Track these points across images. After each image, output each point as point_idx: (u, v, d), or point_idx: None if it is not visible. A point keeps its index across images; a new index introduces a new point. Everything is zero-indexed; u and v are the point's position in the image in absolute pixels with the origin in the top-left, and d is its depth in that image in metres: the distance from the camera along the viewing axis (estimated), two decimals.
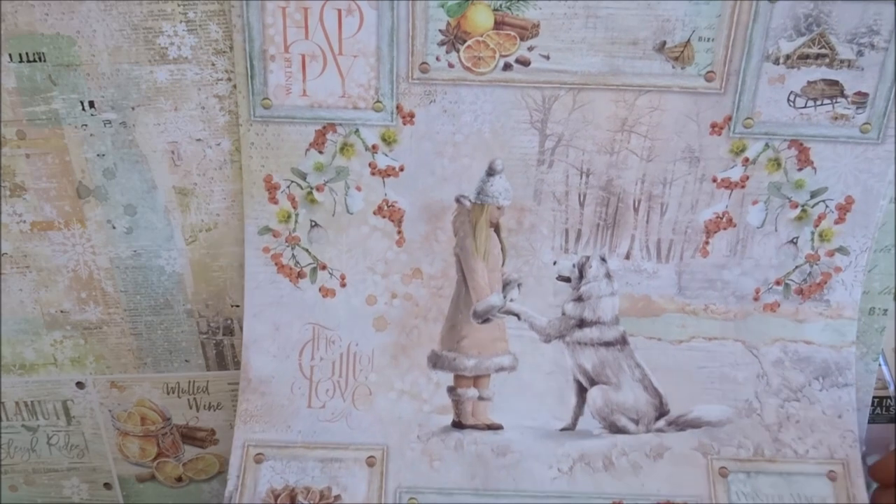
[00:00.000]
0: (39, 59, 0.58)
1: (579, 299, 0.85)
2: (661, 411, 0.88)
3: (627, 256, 0.87)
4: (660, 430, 0.87)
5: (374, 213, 0.85)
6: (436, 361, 0.90)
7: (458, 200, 0.84)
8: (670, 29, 0.66)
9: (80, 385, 0.75)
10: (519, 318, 0.87)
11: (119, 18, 0.61)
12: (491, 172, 0.85)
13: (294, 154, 0.84)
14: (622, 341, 0.87)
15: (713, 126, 0.72)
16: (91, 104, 0.64)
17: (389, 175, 0.86)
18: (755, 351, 0.88)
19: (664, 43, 0.66)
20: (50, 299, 0.70)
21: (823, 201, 0.79)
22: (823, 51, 0.65)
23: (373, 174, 0.85)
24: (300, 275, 0.87)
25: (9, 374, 0.72)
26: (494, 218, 0.86)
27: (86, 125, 0.65)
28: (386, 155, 0.85)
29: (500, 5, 0.71)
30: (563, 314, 0.86)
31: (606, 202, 0.84)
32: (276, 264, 0.86)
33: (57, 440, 0.76)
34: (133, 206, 0.70)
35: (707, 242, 0.87)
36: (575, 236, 0.87)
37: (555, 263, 0.88)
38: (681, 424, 0.87)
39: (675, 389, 0.84)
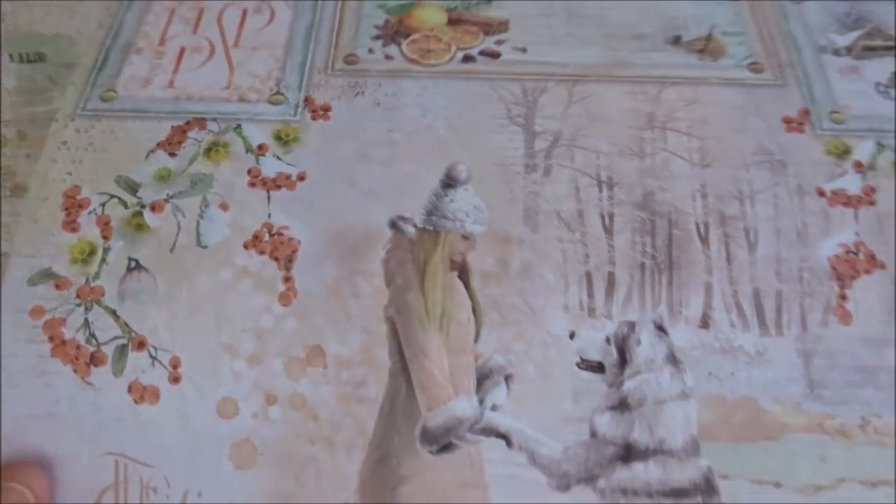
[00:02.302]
0: (39, 59, 0.52)
1: (622, 406, 0.44)
2: None
3: (705, 323, 0.45)
4: None
5: (247, 247, 0.46)
6: None
7: (393, 225, 0.47)
8: (681, 25, 0.54)
9: None
10: (509, 443, 0.43)
11: None
12: (450, 183, 0.47)
13: (127, 158, 0.48)
14: (706, 489, 0.42)
15: (788, 121, 0.50)
16: None
17: (280, 186, 0.47)
18: None
19: (679, 37, 0.54)
20: None
21: None
22: (889, 42, 0.53)
23: (252, 185, 0.47)
24: (95, 360, 0.44)
25: None
26: (459, 254, 0.45)
27: None
28: (279, 158, 0.49)
29: (456, 6, 0.55)
30: (594, 435, 0.43)
31: (651, 228, 0.47)
32: (50, 340, 0.44)
33: None
34: None
35: (844, 297, 0.45)
36: (605, 286, 0.46)
37: (572, 336, 0.45)
38: None
39: None
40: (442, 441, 0.41)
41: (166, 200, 0.45)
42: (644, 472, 0.41)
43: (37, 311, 0.43)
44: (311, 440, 0.41)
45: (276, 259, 0.44)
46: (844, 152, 0.48)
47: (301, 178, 0.46)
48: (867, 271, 0.44)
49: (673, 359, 0.42)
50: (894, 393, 0.42)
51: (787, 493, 0.41)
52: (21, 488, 0.38)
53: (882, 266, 0.44)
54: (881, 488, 0.41)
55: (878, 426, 0.42)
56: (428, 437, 0.41)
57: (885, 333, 0.43)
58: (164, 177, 0.46)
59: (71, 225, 0.44)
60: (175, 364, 0.42)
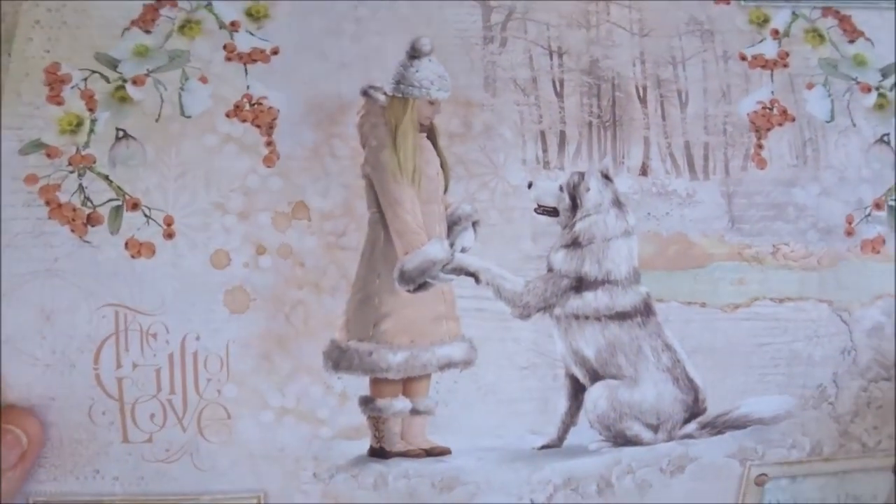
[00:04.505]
0: None
1: (574, 244, 0.46)
2: (694, 411, 0.46)
3: (644, 171, 0.47)
4: (687, 437, 0.46)
5: (229, 116, 0.45)
6: (338, 359, 0.45)
7: (365, 93, 0.47)
8: None
9: None
10: (477, 280, 0.46)
11: None
12: (415, 55, 0.47)
13: (102, 35, 0.45)
14: (644, 311, 0.46)
15: None
16: None
17: (256, 60, 0.46)
18: (846, 315, 0.47)
19: None
20: None
21: None
22: None
23: (229, 59, 0.46)
24: (92, 220, 0.43)
25: None
26: (426, 118, 0.46)
27: None
28: (252, 34, 0.47)
29: None
30: (550, 270, 0.46)
31: (597, 91, 0.48)
32: (46, 204, 0.43)
33: None
34: None
35: (761, 146, 0.48)
36: (557, 142, 0.47)
37: (530, 186, 0.46)
38: (719, 426, 0.47)
39: (720, 379, 0.47)
40: (418, 280, 0.43)
41: (147, 75, 0.44)
42: (594, 300, 0.44)
43: (31, 179, 0.42)
44: (300, 285, 0.42)
45: (258, 126, 0.44)
46: (764, 21, 0.49)
47: (275, 52, 0.46)
48: (780, 123, 0.47)
49: (617, 202, 0.45)
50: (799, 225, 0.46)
51: (710, 311, 0.45)
52: (17, 431, 0.37)
53: (792, 119, 0.47)
54: (787, 304, 0.45)
55: (785, 252, 0.46)
56: (405, 277, 0.43)
57: (793, 175, 0.46)
58: (141, 53, 0.45)
59: (56, 98, 0.43)
60: (169, 222, 0.42)
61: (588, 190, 0.45)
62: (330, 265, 0.43)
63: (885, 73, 0.49)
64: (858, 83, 0.48)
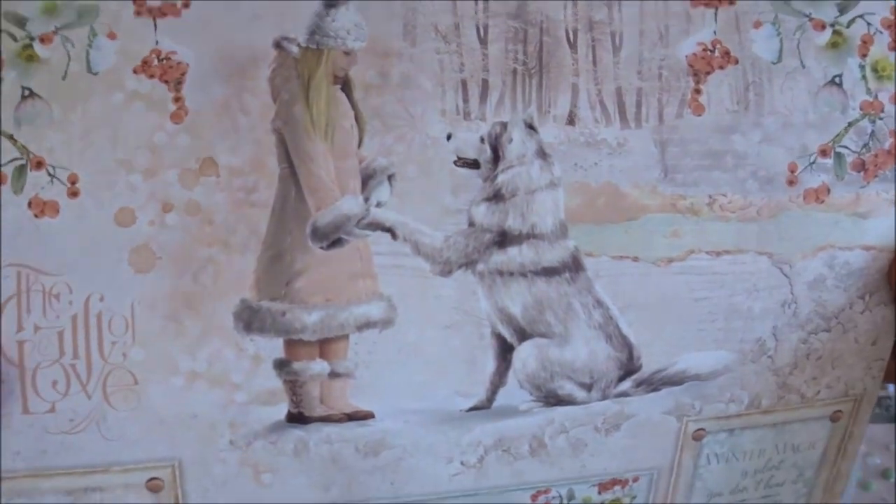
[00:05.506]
0: None
1: (497, 197, 0.43)
2: (629, 368, 0.44)
3: (571, 120, 0.44)
4: (622, 395, 0.45)
5: (136, 72, 0.43)
6: (250, 319, 0.43)
7: (278, 45, 0.44)
8: None
9: None
10: (394, 235, 0.41)
11: None
12: (332, 3, 0.44)
13: None
14: (573, 266, 0.45)
15: None
16: None
17: (166, 14, 0.44)
18: (787, 268, 0.44)
19: None
20: None
21: (862, 17, 0.46)
22: None
23: (138, 14, 0.44)
24: None
25: None
26: (341, 69, 0.44)
27: None
28: None
29: None
30: (472, 224, 0.43)
31: (524, 37, 0.44)
32: None
33: None
34: None
35: (698, 91, 0.44)
36: (479, 91, 0.44)
37: (449, 138, 0.44)
38: (655, 383, 0.45)
39: (655, 335, 0.45)
40: (332, 237, 0.41)
41: (55, 32, 0.42)
42: (518, 255, 0.42)
43: None
44: (208, 243, 0.41)
45: (166, 82, 0.42)
46: None
47: (186, 5, 0.43)
48: (721, 66, 0.43)
49: (542, 153, 0.42)
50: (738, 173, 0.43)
51: (643, 265, 0.42)
52: None
53: (735, 61, 0.43)
54: (724, 257, 0.42)
55: (722, 203, 0.43)
56: (318, 234, 0.41)
57: (732, 121, 0.43)
58: (50, 10, 0.43)
59: None
60: (73, 180, 0.41)
61: (511, 141, 0.43)
62: (240, 222, 0.42)
63: (842, 9, 0.45)
64: (812, 19, 0.45)
